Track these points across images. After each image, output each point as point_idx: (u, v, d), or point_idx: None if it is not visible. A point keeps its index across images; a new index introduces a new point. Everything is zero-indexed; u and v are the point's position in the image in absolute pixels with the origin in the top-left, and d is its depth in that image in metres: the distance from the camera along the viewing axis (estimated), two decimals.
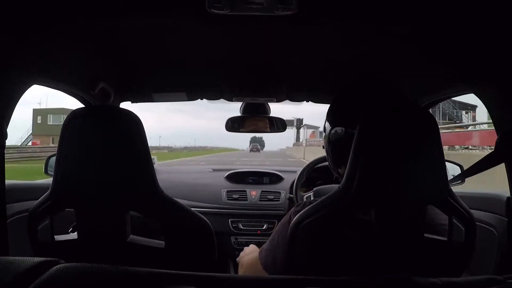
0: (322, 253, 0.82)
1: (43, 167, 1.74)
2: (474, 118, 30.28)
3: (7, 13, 0.87)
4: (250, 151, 63.91)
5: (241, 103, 1.99)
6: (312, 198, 1.38)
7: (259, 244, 2.18)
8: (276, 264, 0.94)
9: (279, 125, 2.07)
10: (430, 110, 1.68)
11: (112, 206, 0.84)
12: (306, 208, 0.84)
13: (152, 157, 0.88)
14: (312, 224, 0.81)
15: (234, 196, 2.27)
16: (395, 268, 0.76)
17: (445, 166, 0.77)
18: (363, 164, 0.76)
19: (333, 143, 0.99)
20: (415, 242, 0.78)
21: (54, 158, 1.21)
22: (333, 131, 0.99)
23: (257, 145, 72.43)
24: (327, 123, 1.02)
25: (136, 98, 1.82)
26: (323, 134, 1.06)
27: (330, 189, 0.94)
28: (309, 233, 0.82)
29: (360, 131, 0.77)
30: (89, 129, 0.83)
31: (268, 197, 2.27)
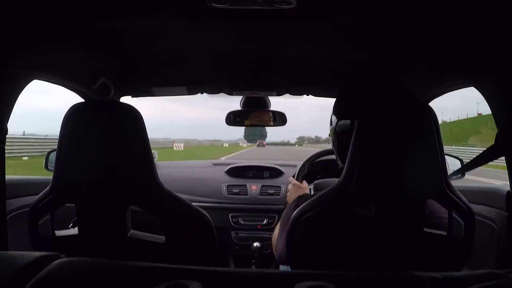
0: (322, 247, 0.83)
1: (43, 162, 1.74)
2: None
3: (9, 12, 0.86)
4: (258, 146, 60.27)
5: (242, 96, 1.99)
6: (312, 192, 1.38)
7: (260, 240, 2.20)
8: (278, 254, 0.96)
9: (279, 119, 2.07)
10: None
11: (113, 201, 0.85)
12: (306, 202, 0.84)
13: (152, 151, 0.88)
14: (312, 218, 0.81)
15: (234, 190, 2.28)
16: (395, 262, 0.76)
17: (444, 160, 0.77)
18: (363, 159, 0.76)
19: (339, 136, 1.01)
20: (415, 236, 0.78)
21: (54, 154, 1.21)
22: (339, 124, 1.00)
23: (262, 142, 66.68)
24: (333, 117, 1.03)
25: (136, 93, 1.81)
26: (330, 127, 1.07)
27: (330, 182, 0.94)
28: (309, 227, 0.82)
29: (359, 125, 0.77)
30: (90, 123, 0.83)
31: (269, 191, 2.27)
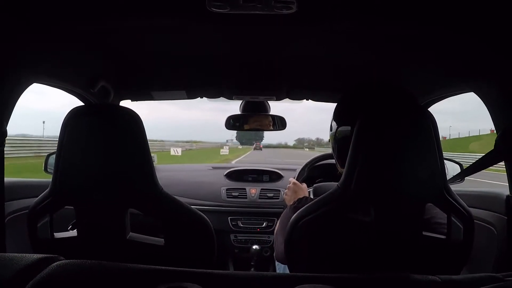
0: (321, 250, 0.83)
1: (43, 165, 1.74)
2: None
3: (8, 13, 0.87)
4: (254, 149, 53.94)
5: (241, 101, 1.99)
6: (312, 195, 1.38)
7: (259, 243, 2.20)
8: (276, 251, 0.99)
9: (279, 123, 2.08)
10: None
11: (112, 203, 0.84)
12: (305, 206, 0.84)
13: (152, 155, 0.88)
14: (310, 222, 0.81)
15: (233, 194, 2.28)
16: (394, 266, 0.76)
17: (443, 164, 0.77)
18: (362, 163, 0.76)
19: (339, 141, 1.01)
20: (414, 240, 0.78)
21: (54, 156, 1.21)
22: (339, 130, 1.00)
23: (259, 144, 59.93)
24: (333, 122, 1.03)
25: (136, 96, 1.82)
26: (329, 132, 1.07)
27: (329, 186, 0.94)
28: (307, 230, 0.82)
29: (358, 130, 0.78)
30: (89, 127, 0.83)
31: (268, 195, 2.27)
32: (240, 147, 65.70)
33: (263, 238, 2.19)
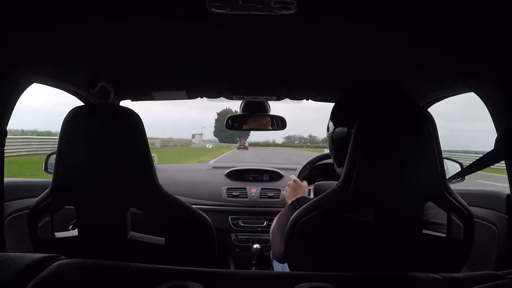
0: (320, 249, 0.83)
1: (43, 165, 1.74)
2: None
3: (8, 13, 0.87)
4: (239, 148, 45.59)
5: (241, 101, 2.00)
6: (312, 194, 1.38)
7: (259, 242, 2.20)
8: (274, 250, 1.01)
9: (279, 123, 2.08)
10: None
11: (113, 203, 0.85)
12: (305, 205, 0.85)
13: (152, 154, 0.88)
14: (310, 222, 0.81)
15: (234, 193, 2.28)
16: (394, 265, 0.76)
17: (443, 163, 0.77)
18: (361, 163, 0.76)
19: (336, 142, 1.01)
20: (414, 238, 0.78)
21: (54, 156, 1.21)
22: (336, 131, 1.00)
23: (244, 142, 50.50)
24: (330, 123, 1.04)
25: (136, 96, 1.82)
26: (327, 133, 1.07)
27: (330, 185, 0.94)
28: (307, 230, 0.82)
29: (357, 130, 0.78)
30: (89, 126, 0.83)
31: (268, 194, 2.28)
32: (209, 146, 50.06)
33: (264, 237, 2.19)
